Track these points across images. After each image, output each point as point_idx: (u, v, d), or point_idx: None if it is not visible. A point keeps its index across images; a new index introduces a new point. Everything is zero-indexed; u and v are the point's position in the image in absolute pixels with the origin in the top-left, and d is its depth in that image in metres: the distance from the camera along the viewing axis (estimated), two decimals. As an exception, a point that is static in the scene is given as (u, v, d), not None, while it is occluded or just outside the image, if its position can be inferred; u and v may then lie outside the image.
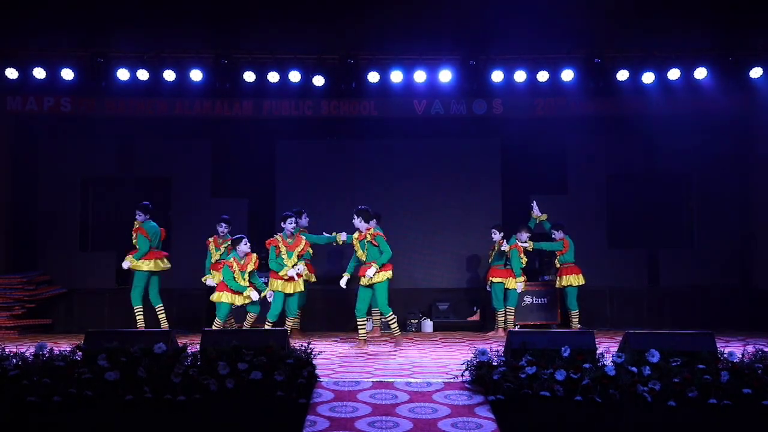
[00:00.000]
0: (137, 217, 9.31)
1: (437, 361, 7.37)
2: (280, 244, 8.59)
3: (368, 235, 8.27)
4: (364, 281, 8.27)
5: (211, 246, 9.61)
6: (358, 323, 8.47)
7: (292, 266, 8.51)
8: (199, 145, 11.35)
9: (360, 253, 8.37)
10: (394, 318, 8.42)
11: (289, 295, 8.62)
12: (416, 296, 10.98)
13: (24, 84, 9.96)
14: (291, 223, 8.66)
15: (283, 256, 8.54)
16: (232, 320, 9.22)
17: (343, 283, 8.62)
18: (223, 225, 9.66)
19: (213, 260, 9.46)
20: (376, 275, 8.19)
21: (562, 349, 5.64)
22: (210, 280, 9.29)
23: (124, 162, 11.31)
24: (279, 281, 8.54)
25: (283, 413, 5.30)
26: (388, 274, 8.27)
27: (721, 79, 9.94)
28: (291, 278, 8.53)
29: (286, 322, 8.71)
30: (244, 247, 8.77)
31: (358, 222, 8.35)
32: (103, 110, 10.68)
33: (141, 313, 9.26)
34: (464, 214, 11.24)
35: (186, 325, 9.81)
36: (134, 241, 9.26)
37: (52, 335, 9.99)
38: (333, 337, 9.71)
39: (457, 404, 5.52)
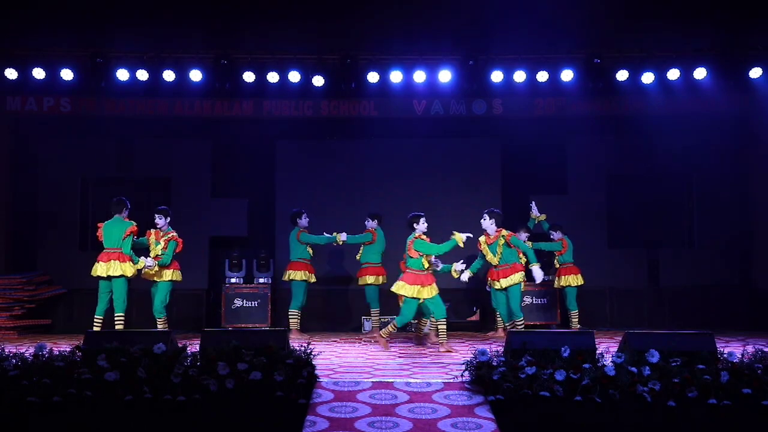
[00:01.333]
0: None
1: (437, 361, 7.37)
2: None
3: (501, 238, 8.16)
4: (497, 285, 8.23)
5: (152, 239, 8.88)
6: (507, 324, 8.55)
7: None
8: (199, 145, 11.33)
9: (490, 257, 8.22)
10: (522, 321, 8.36)
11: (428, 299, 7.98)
12: (416, 296, 10.96)
13: (24, 84, 9.97)
14: (424, 223, 8.05)
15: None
16: None
17: (465, 277, 8.14)
18: (156, 217, 8.93)
19: (153, 254, 8.76)
20: (510, 278, 8.19)
21: (562, 349, 5.64)
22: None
23: (124, 162, 11.30)
24: (416, 287, 7.90)
25: (283, 413, 5.30)
26: (521, 276, 8.28)
27: (721, 79, 9.94)
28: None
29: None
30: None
31: (488, 223, 8.22)
32: (103, 110, 10.69)
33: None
34: (464, 214, 11.18)
35: (186, 325, 9.80)
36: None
37: (51, 335, 9.99)
38: (333, 337, 9.71)
39: (457, 404, 5.51)
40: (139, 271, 8.60)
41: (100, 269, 8.38)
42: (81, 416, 5.23)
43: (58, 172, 11.17)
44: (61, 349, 6.18)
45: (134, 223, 8.47)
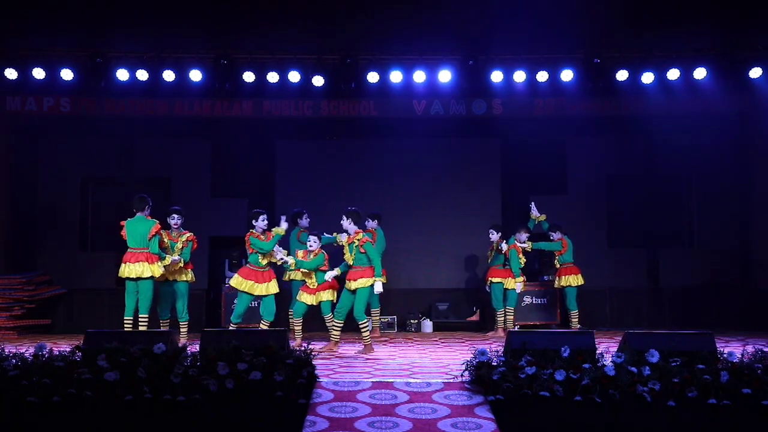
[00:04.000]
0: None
1: (437, 361, 7.37)
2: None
3: (356, 240, 7.92)
4: (351, 286, 7.91)
5: (165, 239, 8.64)
6: (335, 324, 8.18)
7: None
8: (199, 145, 11.35)
9: (348, 257, 8.02)
10: (367, 325, 8.12)
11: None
12: (416, 296, 10.98)
13: (23, 84, 9.96)
14: (263, 220, 8.42)
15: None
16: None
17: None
18: (175, 217, 8.78)
19: (176, 255, 8.62)
20: (360, 281, 7.87)
21: (562, 349, 5.63)
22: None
23: (124, 162, 11.32)
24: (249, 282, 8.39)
25: (283, 413, 5.30)
26: (372, 280, 7.88)
27: (721, 79, 9.94)
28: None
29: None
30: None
31: (347, 224, 8.01)
32: (103, 110, 10.68)
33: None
34: (464, 215, 11.24)
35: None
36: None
37: (51, 335, 9.99)
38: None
39: (457, 404, 5.51)
40: (164, 269, 8.43)
41: (128, 271, 8.16)
42: (81, 416, 5.22)
43: (58, 171, 11.18)
44: (61, 349, 6.18)
45: (157, 222, 8.33)
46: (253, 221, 8.42)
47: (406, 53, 9.98)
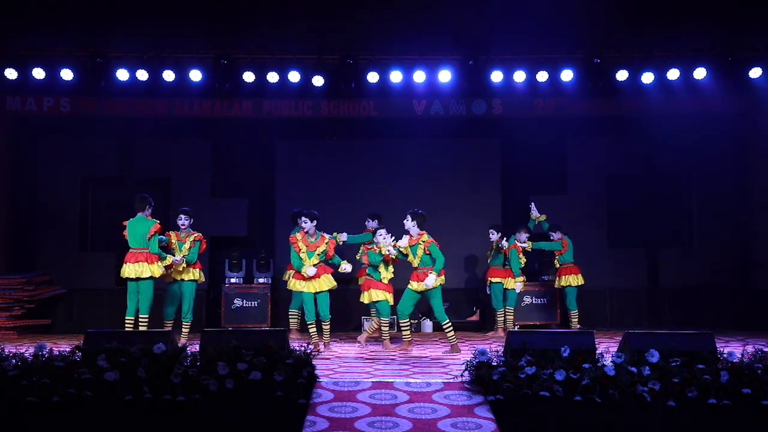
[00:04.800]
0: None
1: (437, 361, 7.38)
2: (300, 243, 8.34)
3: (421, 242, 8.04)
4: (416, 287, 8.01)
5: (173, 240, 8.74)
6: (402, 324, 8.22)
7: (312, 265, 8.25)
8: (199, 145, 11.35)
9: (411, 258, 8.14)
10: (448, 323, 8.11)
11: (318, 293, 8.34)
12: (416, 296, 10.96)
13: (23, 84, 9.96)
14: (306, 222, 8.35)
15: (303, 255, 8.29)
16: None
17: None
18: (183, 218, 8.82)
19: (180, 256, 8.62)
20: (426, 283, 7.93)
21: (562, 349, 5.64)
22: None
23: (123, 162, 11.32)
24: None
25: (283, 413, 5.30)
26: (442, 279, 8.01)
27: (721, 79, 9.94)
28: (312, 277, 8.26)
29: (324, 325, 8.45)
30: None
31: (410, 225, 8.14)
32: (103, 110, 10.68)
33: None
34: (464, 215, 11.23)
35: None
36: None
37: (51, 335, 9.99)
38: (333, 337, 9.69)
39: (457, 404, 5.52)
40: (165, 269, 8.41)
41: (128, 271, 8.15)
42: (81, 416, 5.23)
43: (58, 172, 11.17)
44: (61, 349, 6.18)
45: (158, 221, 8.31)
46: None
47: (406, 53, 9.98)
